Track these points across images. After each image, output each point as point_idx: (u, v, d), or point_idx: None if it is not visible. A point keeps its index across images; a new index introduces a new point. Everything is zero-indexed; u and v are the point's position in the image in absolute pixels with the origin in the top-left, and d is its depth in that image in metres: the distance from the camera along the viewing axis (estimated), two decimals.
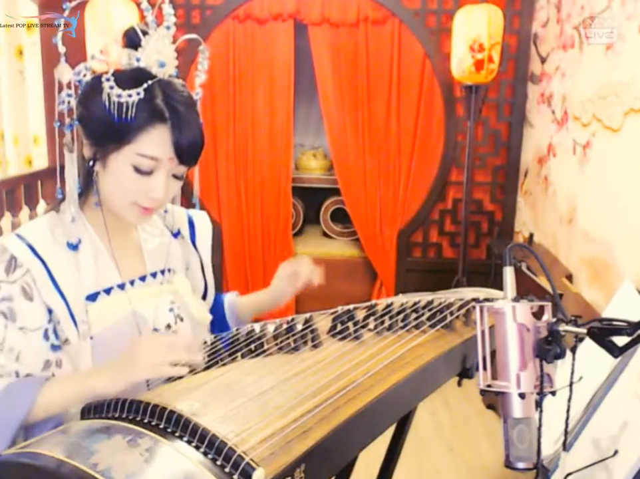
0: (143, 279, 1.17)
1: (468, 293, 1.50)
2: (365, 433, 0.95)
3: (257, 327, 1.12)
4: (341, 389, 0.92)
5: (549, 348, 0.88)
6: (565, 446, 1.20)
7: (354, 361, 1.01)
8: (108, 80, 1.01)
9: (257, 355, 1.04)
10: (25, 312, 1.01)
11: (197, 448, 0.76)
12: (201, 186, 1.21)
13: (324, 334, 1.12)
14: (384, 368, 1.01)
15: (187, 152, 1.05)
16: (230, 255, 3.79)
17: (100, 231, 1.13)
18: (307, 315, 1.15)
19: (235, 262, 3.80)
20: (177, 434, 0.77)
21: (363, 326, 1.16)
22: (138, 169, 1.03)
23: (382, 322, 1.18)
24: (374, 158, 3.64)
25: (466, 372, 1.27)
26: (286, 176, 3.71)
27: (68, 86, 1.04)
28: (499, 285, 1.01)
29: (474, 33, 3.11)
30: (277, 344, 1.06)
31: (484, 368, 0.93)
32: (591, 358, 1.21)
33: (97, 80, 1.03)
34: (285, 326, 1.12)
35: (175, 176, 1.08)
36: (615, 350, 0.87)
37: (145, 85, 1.01)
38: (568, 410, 0.94)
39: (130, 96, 1.00)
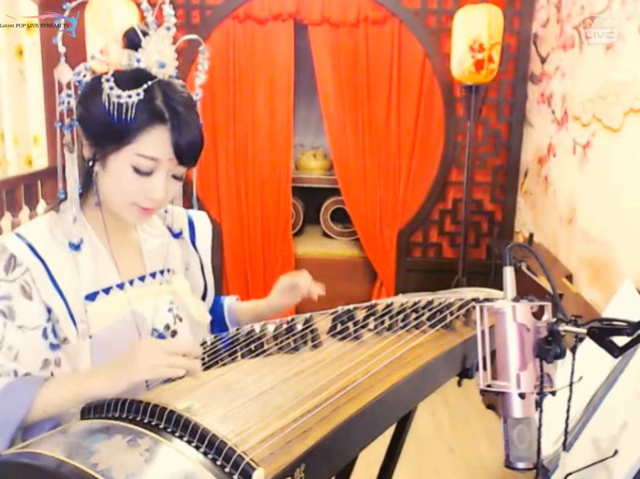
0: (142, 279, 1.17)
1: (468, 293, 1.50)
2: (365, 433, 0.95)
3: (257, 327, 1.12)
4: (341, 389, 0.92)
5: (549, 348, 0.88)
6: (565, 446, 1.20)
7: (354, 361, 1.01)
8: (107, 80, 1.01)
9: (257, 355, 1.04)
10: (24, 311, 1.01)
11: (197, 448, 0.76)
12: (201, 186, 1.21)
13: (324, 334, 1.12)
14: (384, 368, 1.01)
15: (187, 153, 1.05)
16: (230, 255, 3.79)
17: (99, 231, 1.13)
18: (307, 315, 1.15)
19: (235, 262, 3.80)
20: (177, 434, 0.77)
21: (363, 326, 1.16)
22: (137, 170, 1.03)
23: (382, 322, 1.18)
24: (374, 157, 3.64)
25: (466, 372, 1.27)
26: (286, 176, 3.71)
27: (68, 87, 1.05)
28: (499, 285, 1.01)
29: (474, 33, 3.11)
30: (277, 344, 1.06)
31: (484, 368, 0.93)
32: (591, 358, 1.21)
33: (97, 80, 1.03)
34: (285, 326, 1.12)
35: (174, 177, 1.08)
36: (615, 350, 0.87)
37: (145, 86, 1.01)
38: (568, 410, 0.94)
39: (129, 96, 1.00)
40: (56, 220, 1.10)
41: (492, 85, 3.43)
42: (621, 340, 0.87)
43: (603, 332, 0.87)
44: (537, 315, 0.92)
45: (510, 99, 3.57)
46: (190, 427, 0.77)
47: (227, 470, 0.73)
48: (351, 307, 1.22)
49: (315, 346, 1.07)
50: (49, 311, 1.03)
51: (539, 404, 0.90)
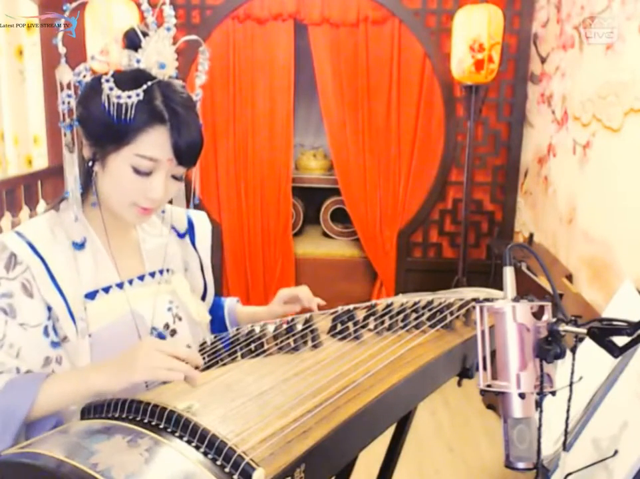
0: (141, 278, 1.17)
1: (468, 293, 1.50)
2: (365, 433, 0.95)
3: (257, 327, 1.12)
4: (341, 389, 0.92)
5: (549, 348, 0.88)
6: (565, 446, 1.20)
7: (354, 361, 1.01)
8: (107, 81, 1.01)
9: (257, 355, 1.04)
10: (25, 308, 1.01)
11: (197, 448, 0.76)
12: (201, 186, 1.21)
13: (324, 334, 1.12)
14: (384, 368, 1.01)
15: (186, 153, 1.05)
16: (230, 255, 3.79)
17: (99, 230, 1.13)
18: (307, 315, 1.15)
19: (235, 262, 3.80)
20: (177, 434, 0.77)
21: (363, 326, 1.16)
22: (137, 170, 1.04)
23: (382, 322, 1.18)
24: (374, 158, 3.64)
25: (466, 372, 1.27)
26: (286, 176, 3.71)
27: (69, 87, 1.05)
28: (499, 285, 1.01)
29: (474, 33, 3.11)
30: (277, 344, 1.06)
31: (484, 368, 0.93)
32: (591, 358, 1.21)
33: (97, 81, 1.03)
34: (285, 326, 1.12)
35: (174, 177, 1.09)
36: (615, 350, 0.87)
37: (144, 86, 1.01)
38: (568, 410, 0.94)
39: (129, 97, 1.00)
40: (56, 219, 1.10)
41: (492, 85, 3.43)
42: (621, 340, 0.87)
43: (603, 332, 0.87)
44: (537, 315, 0.92)
45: (510, 99, 3.57)
46: (190, 427, 0.77)
47: (227, 470, 0.73)
48: (351, 307, 1.22)
49: (315, 346, 1.07)
50: (49, 309, 1.03)
51: (539, 404, 0.90)
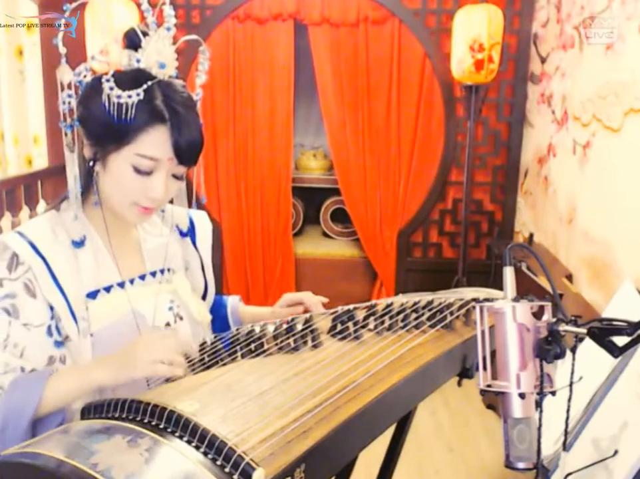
0: (142, 277, 1.18)
1: (468, 293, 1.50)
2: (365, 433, 0.95)
3: (257, 327, 1.12)
4: (341, 389, 0.92)
5: (549, 348, 0.88)
6: (565, 446, 1.20)
7: (354, 361, 1.01)
8: (108, 80, 1.01)
9: (257, 355, 1.04)
10: (28, 308, 1.02)
11: (197, 448, 0.76)
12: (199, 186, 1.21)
13: (324, 334, 1.12)
14: (384, 368, 1.01)
15: (187, 153, 1.05)
16: (230, 255, 3.79)
17: (100, 230, 1.13)
18: (307, 315, 1.15)
19: (235, 262, 3.80)
20: (177, 434, 0.77)
21: (363, 326, 1.16)
22: (137, 170, 1.04)
23: (382, 322, 1.18)
24: (374, 158, 3.64)
25: (466, 372, 1.27)
26: (286, 176, 3.71)
27: (69, 87, 1.05)
28: (499, 285, 1.01)
29: (474, 33, 3.11)
30: (277, 344, 1.06)
31: (484, 368, 0.93)
32: (591, 358, 1.21)
33: (97, 80, 1.03)
34: (285, 326, 1.12)
35: (175, 176, 1.09)
36: (615, 350, 0.87)
37: (145, 86, 1.02)
38: (568, 410, 0.94)
39: (129, 96, 1.00)
40: (57, 219, 1.10)
41: (492, 85, 3.43)
42: (621, 340, 0.87)
43: (603, 332, 0.87)
44: (537, 315, 0.92)
45: (510, 99, 3.57)
46: (190, 427, 0.77)
47: (227, 470, 0.73)
48: (351, 307, 1.22)
49: (315, 346, 1.07)
50: (51, 308, 1.04)
51: (539, 404, 0.90)
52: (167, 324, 1.18)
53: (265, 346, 1.05)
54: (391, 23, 3.46)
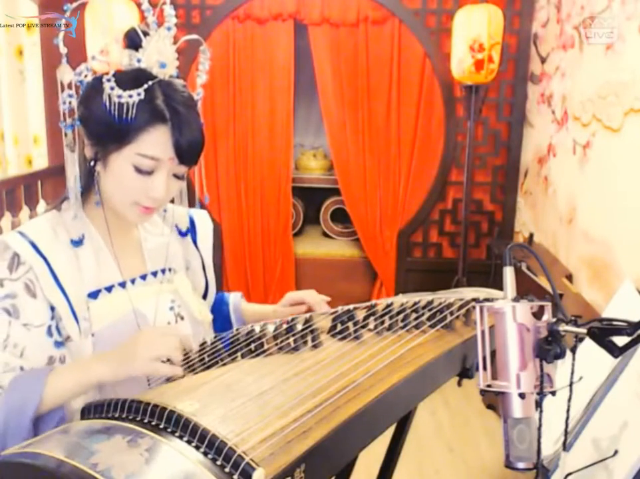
0: (144, 277, 1.18)
1: (468, 293, 1.50)
2: (365, 433, 0.95)
3: (257, 327, 1.12)
4: (341, 389, 0.92)
5: (549, 348, 0.88)
6: (565, 446, 1.20)
7: (354, 361, 1.01)
8: (108, 80, 1.01)
9: (257, 355, 1.04)
10: (29, 309, 1.02)
11: (197, 448, 0.76)
12: (202, 186, 1.21)
13: (324, 334, 1.12)
14: (384, 368, 1.01)
15: (188, 152, 1.05)
16: (230, 255, 3.79)
17: (101, 229, 1.13)
18: (307, 315, 1.15)
19: (235, 262, 3.80)
20: (177, 434, 0.77)
21: (363, 326, 1.16)
22: (138, 169, 1.04)
23: (382, 322, 1.18)
24: (374, 158, 3.64)
25: (466, 372, 1.27)
26: (286, 176, 3.71)
27: (70, 87, 1.05)
28: (499, 285, 1.01)
29: (474, 33, 3.11)
30: (277, 344, 1.06)
31: (484, 368, 0.93)
32: (591, 358, 1.21)
33: (98, 80, 1.03)
34: (285, 326, 1.12)
35: (175, 176, 1.09)
36: (615, 350, 0.87)
37: (145, 86, 1.02)
38: (568, 410, 0.94)
39: (130, 96, 1.00)
40: (57, 219, 1.10)
41: (492, 85, 3.43)
42: (621, 340, 0.87)
43: (603, 332, 0.87)
44: (537, 315, 0.92)
45: (510, 99, 3.57)
46: (190, 427, 0.77)
47: (227, 470, 0.73)
48: (351, 307, 1.22)
49: (315, 346, 1.07)
50: (52, 309, 1.04)
51: (539, 404, 0.90)
52: (168, 324, 1.18)
53: (265, 346, 1.05)
54: (391, 23, 3.46)
